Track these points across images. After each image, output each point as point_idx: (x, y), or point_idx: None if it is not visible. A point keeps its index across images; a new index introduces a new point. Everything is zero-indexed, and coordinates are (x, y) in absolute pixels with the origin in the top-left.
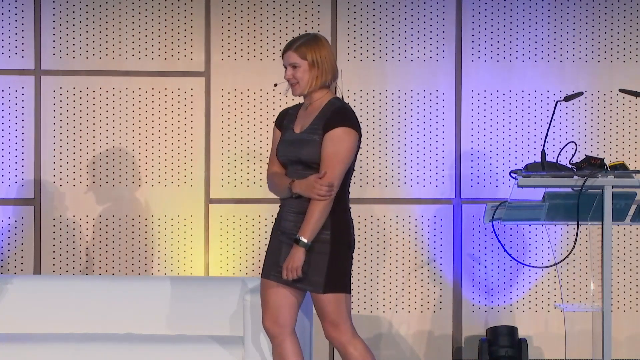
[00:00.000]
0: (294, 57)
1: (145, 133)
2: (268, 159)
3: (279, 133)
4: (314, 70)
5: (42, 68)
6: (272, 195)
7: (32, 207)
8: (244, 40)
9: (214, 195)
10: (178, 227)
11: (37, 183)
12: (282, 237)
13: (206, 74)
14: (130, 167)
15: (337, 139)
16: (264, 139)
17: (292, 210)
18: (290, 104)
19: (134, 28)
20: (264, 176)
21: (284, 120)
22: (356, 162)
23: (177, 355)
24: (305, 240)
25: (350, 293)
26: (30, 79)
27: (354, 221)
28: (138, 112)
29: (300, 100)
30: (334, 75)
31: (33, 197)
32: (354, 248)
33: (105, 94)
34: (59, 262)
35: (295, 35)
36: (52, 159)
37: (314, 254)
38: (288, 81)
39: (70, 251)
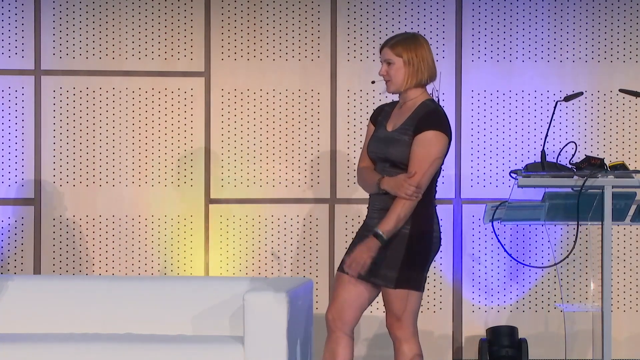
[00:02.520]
0: (389, 53)
1: (145, 133)
2: (360, 153)
3: (372, 129)
4: (409, 68)
5: (42, 68)
6: (271, 195)
7: (32, 207)
8: (244, 40)
9: (214, 195)
10: (178, 227)
11: (37, 183)
12: (366, 234)
13: (206, 74)
14: (130, 167)
15: (427, 142)
16: (264, 139)
17: (376, 208)
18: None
19: (134, 28)
20: (264, 176)
21: (379, 116)
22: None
23: (177, 355)
24: (384, 236)
25: (422, 291)
26: (30, 79)
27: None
28: (138, 112)
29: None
30: (431, 76)
31: (33, 197)
32: (438, 245)
33: (105, 94)
34: (59, 262)
35: (295, 35)
36: (52, 159)
37: (390, 248)
38: (382, 77)
39: (70, 251)
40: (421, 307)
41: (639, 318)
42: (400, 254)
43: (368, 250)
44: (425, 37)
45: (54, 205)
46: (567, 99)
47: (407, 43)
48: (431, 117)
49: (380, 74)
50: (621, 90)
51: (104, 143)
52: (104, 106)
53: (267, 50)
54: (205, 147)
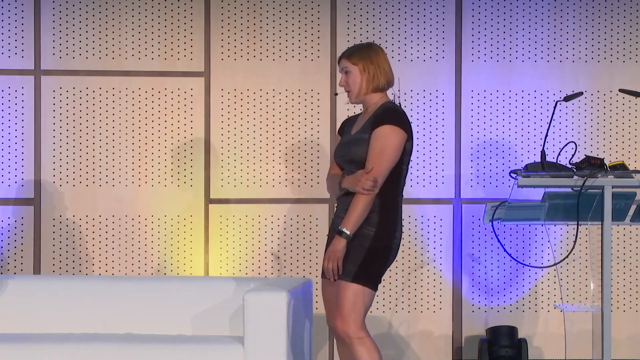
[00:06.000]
0: (346, 62)
1: (145, 133)
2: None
3: (340, 139)
4: (365, 75)
5: (42, 68)
6: (271, 195)
7: (32, 207)
8: (244, 40)
9: (213, 195)
10: (178, 227)
11: (37, 183)
12: (332, 235)
13: (206, 74)
14: (130, 167)
15: (382, 136)
16: (264, 139)
17: (343, 209)
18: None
19: (134, 28)
20: (264, 176)
21: (345, 126)
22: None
23: (177, 355)
24: (347, 232)
25: (375, 291)
26: (30, 79)
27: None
28: (138, 112)
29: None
30: (388, 81)
31: (33, 197)
32: (395, 251)
33: (105, 94)
34: (59, 262)
35: (295, 35)
36: (52, 159)
37: (353, 246)
38: (344, 88)
39: (70, 251)
40: (421, 307)
41: (639, 318)
42: (362, 252)
43: (335, 251)
44: (425, 37)
45: (54, 205)
46: (567, 99)
47: (362, 51)
48: (387, 113)
49: (340, 85)
50: (621, 90)
51: (104, 143)
52: (104, 106)
53: (267, 50)
54: (205, 147)
